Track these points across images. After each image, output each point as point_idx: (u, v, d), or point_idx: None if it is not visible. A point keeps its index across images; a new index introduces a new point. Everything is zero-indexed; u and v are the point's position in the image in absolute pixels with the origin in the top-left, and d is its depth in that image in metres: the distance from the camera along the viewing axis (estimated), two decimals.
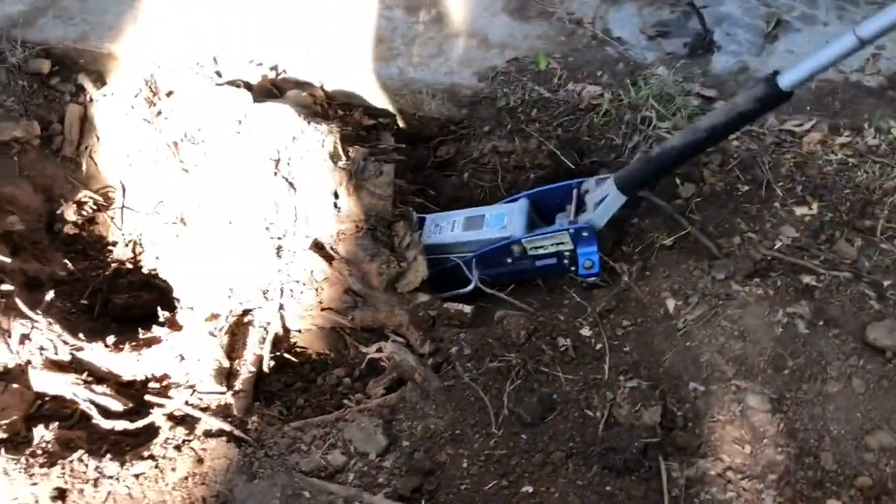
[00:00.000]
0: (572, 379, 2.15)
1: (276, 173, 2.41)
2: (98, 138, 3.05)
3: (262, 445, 2.11)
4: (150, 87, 3.04)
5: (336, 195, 2.45)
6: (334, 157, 2.45)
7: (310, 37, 3.13)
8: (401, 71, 2.99)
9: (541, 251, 2.54)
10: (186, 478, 2.05)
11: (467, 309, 2.42)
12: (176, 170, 2.57)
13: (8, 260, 2.63)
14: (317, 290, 2.48)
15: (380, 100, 3.08)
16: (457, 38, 3.05)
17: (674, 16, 3.06)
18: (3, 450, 2.12)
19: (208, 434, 2.14)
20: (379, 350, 2.27)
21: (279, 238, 2.45)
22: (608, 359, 2.17)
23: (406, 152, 3.08)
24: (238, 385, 2.32)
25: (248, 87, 2.89)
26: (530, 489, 1.96)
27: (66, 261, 2.93)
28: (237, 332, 2.48)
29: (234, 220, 2.43)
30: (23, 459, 2.10)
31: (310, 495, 1.98)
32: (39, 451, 2.15)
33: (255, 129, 2.43)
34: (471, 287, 2.56)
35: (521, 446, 2.04)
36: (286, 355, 2.51)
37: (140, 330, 2.57)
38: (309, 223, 2.45)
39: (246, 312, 2.50)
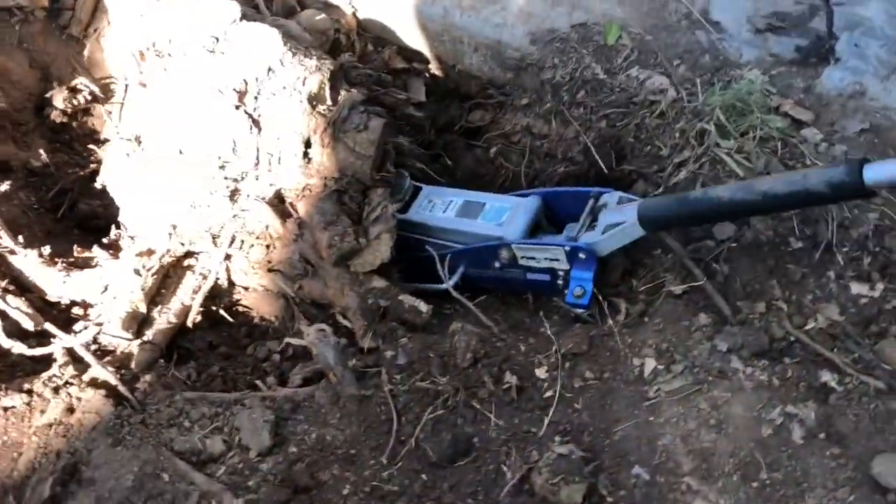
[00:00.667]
0: (503, 425, 2.07)
1: (238, 106, 2.40)
2: (109, 22, 3.17)
3: (144, 410, 2.16)
4: None
5: (308, 144, 2.42)
6: (314, 99, 2.40)
7: None
8: (445, 12, 2.90)
9: (532, 263, 2.44)
10: (51, 425, 2.12)
11: (424, 308, 2.36)
12: (135, 81, 2.64)
13: None
14: (268, 246, 2.49)
15: (417, 41, 3.03)
16: None
17: (797, 8, 2.80)
18: None
19: (92, 383, 2.20)
20: (297, 334, 2.29)
21: (235, 181, 2.45)
22: (552, 412, 2.09)
23: (435, 108, 3.05)
24: (149, 335, 2.38)
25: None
26: None
27: (42, 151, 3.12)
28: (172, 275, 2.55)
29: (187, 150, 2.45)
30: None
31: (168, 479, 2.03)
32: None
33: (229, 52, 2.41)
34: (445, 286, 2.51)
35: (416, 488, 1.99)
36: (222, 312, 2.58)
37: (84, 247, 2.72)
38: (273, 171, 2.43)
39: (188, 255, 2.56)
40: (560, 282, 2.41)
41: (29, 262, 2.63)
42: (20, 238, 2.69)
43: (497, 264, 2.48)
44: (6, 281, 2.56)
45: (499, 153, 2.87)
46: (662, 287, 2.30)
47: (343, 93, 2.49)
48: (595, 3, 2.84)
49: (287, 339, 2.37)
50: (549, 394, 2.13)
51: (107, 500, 1.98)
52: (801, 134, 2.47)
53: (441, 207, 2.61)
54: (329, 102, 2.45)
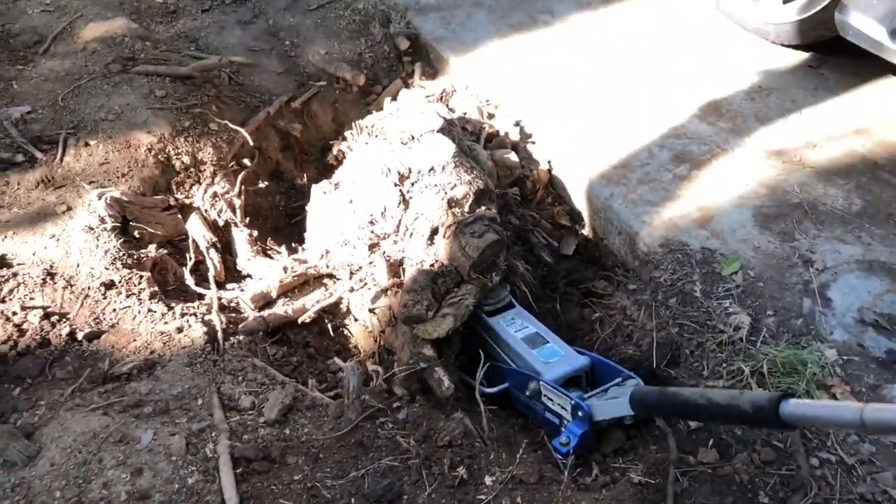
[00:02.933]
0: (432, 498, 2.18)
1: (396, 185, 2.77)
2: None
3: (221, 355, 2.53)
4: (444, 92, 3.71)
5: (435, 231, 2.71)
6: (454, 202, 2.69)
7: (585, 129, 3.44)
8: (610, 196, 3.09)
9: (549, 404, 2.51)
10: (162, 332, 2.62)
11: (446, 385, 2.52)
12: (346, 146, 3.18)
13: None
14: (377, 294, 2.85)
15: (584, 208, 3.25)
16: (687, 203, 3.04)
17: None
18: None
19: (205, 322, 2.66)
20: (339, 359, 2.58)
21: (377, 237, 2.81)
22: None
23: (575, 265, 3.23)
24: (265, 313, 2.79)
25: (484, 137, 3.33)
26: None
27: (307, 175, 3.77)
28: (311, 284, 2.98)
29: (355, 201, 2.85)
30: None
31: (199, 404, 2.37)
32: None
33: (414, 147, 2.83)
34: (476, 386, 2.64)
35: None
36: (329, 326, 2.94)
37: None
38: (404, 241, 2.79)
39: (328, 276, 2.99)
40: (561, 428, 2.47)
41: (240, 236, 3.22)
42: (246, 219, 3.31)
43: (527, 392, 2.59)
44: (217, 239, 3.18)
45: (598, 319, 2.97)
46: (629, 471, 2.27)
47: (482, 208, 2.78)
48: (731, 240, 2.88)
49: (335, 359, 2.67)
50: (480, 497, 2.20)
51: (155, 394, 2.39)
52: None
53: (516, 327, 2.75)
54: (466, 210, 2.74)
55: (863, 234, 2.90)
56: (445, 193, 2.72)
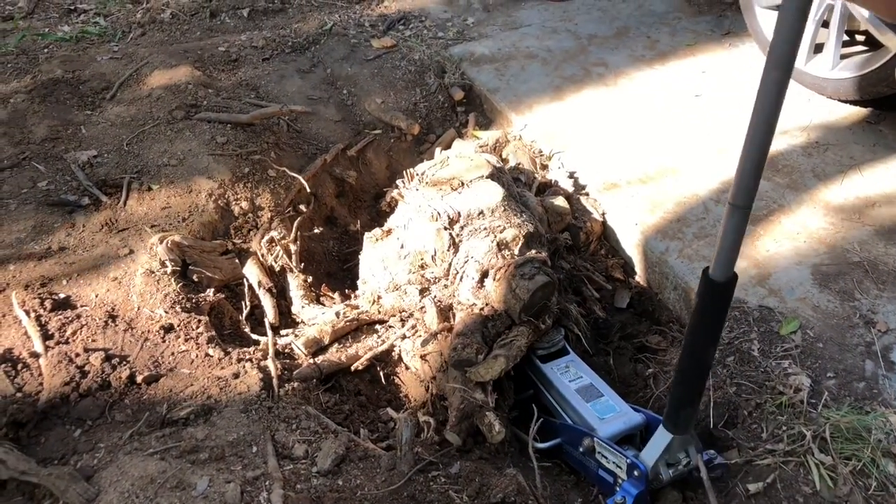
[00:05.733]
0: None
1: (446, 228, 2.77)
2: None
3: (276, 402, 2.55)
4: (498, 142, 3.73)
5: (485, 275, 2.70)
6: (503, 245, 2.69)
7: (641, 182, 3.43)
8: (666, 250, 3.07)
9: (603, 461, 2.47)
10: (219, 378, 2.62)
11: (497, 430, 2.47)
12: (397, 193, 3.24)
13: None
14: (425, 340, 2.84)
15: (638, 262, 3.22)
16: (744, 260, 2.99)
17: None
18: None
19: (261, 368, 2.66)
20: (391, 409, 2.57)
21: (428, 280, 2.82)
22: None
23: (628, 318, 3.20)
24: (318, 360, 2.80)
25: (536, 186, 3.34)
26: None
27: (360, 221, 3.82)
28: (363, 330, 2.99)
29: (406, 246, 2.87)
30: None
31: (255, 451, 2.41)
32: None
33: (464, 192, 2.85)
34: (529, 442, 2.61)
35: None
36: (381, 374, 2.93)
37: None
38: (454, 284, 2.80)
39: (380, 322, 2.99)
40: (616, 487, 2.42)
41: (294, 281, 3.26)
42: (301, 265, 3.35)
43: (580, 448, 2.55)
44: (273, 284, 3.21)
45: (652, 375, 2.92)
46: None
47: (533, 251, 2.77)
48: (789, 298, 2.83)
49: (388, 409, 2.66)
50: None
51: (211, 440, 2.41)
52: None
53: (570, 376, 2.72)
54: (516, 252, 2.74)
55: None
56: (495, 236, 2.73)
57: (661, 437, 2.25)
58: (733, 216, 1.68)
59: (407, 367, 2.94)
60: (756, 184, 1.64)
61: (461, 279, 2.75)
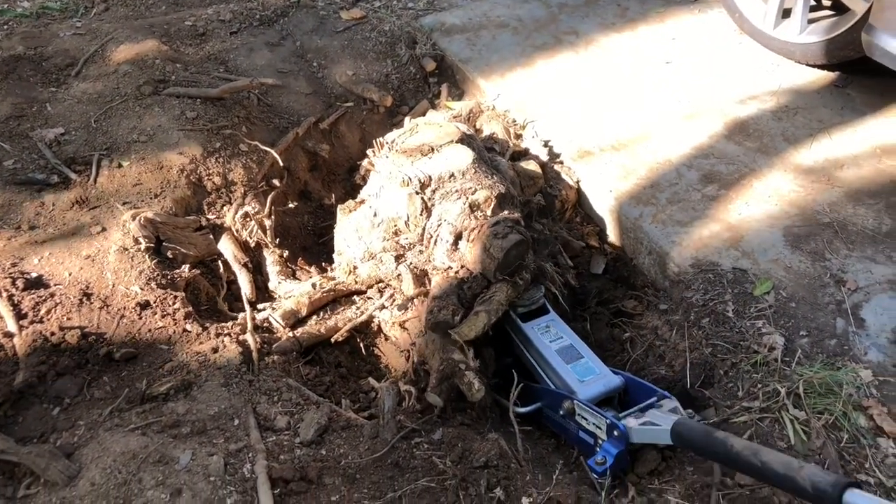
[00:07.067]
0: None
1: (418, 192, 2.78)
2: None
3: (257, 375, 2.56)
4: (471, 112, 3.73)
5: (459, 237, 2.70)
6: (476, 206, 2.70)
7: (613, 149, 3.45)
8: (640, 216, 3.10)
9: (583, 423, 2.51)
10: (198, 353, 2.64)
11: (476, 388, 2.48)
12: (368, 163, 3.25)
13: None
14: (402, 305, 2.84)
15: (613, 229, 3.26)
16: (717, 223, 3.04)
17: None
18: None
19: (240, 342, 2.67)
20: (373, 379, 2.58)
21: (403, 247, 2.82)
22: None
23: (604, 284, 3.23)
24: (298, 332, 2.80)
25: (509, 153, 3.35)
26: None
27: (335, 195, 3.80)
28: (342, 302, 2.99)
29: (379, 214, 2.87)
30: None
31: (236, 423, 2.40)
32: None
33: (435, 157, 2.85)
34: (518, 409, 2.64)
35: None
36: (361, 346, 2.94)
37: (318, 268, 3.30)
38: (429, 249, 2.78)
39: (357, 293, 3.00)
40: (596, 448, 2.46)
41: (270, 256, 3.24)
42: (276, 239, 3.33)
43: (560, 412, 2.58)
44: (249, 259, 3.20)
45: (629, 339, 2.96)
46: (666, 492, 2.27)
47: (505, 212, 2.76)
48: (762, 260, 2.87)
49: (370, 379, 2.68)
50: None
51: (192, 415, 2.40)
52: (876, 440, 2.30)
53: (550, 336, 2.73)
54: (489, 213, 2.73)
55: (894, 254, 2.89)
56: (467, 198, 2.73)
57: (661, 436, 2.27)
58: None
59: (387, 338, 2.95)
60: None
61: (435, 243, 2.75)
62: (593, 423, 2.47)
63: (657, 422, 2.33)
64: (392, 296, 2.89)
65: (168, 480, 2.13)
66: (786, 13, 3.82)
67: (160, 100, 3.57)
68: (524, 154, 3.43)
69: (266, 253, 3.25)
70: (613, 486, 2.38)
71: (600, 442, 2.45)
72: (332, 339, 2.88)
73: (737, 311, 2.70)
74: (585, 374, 2.63)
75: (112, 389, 2.46)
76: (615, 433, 2.37)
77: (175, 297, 2.78)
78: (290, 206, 3.52)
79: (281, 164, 3.48)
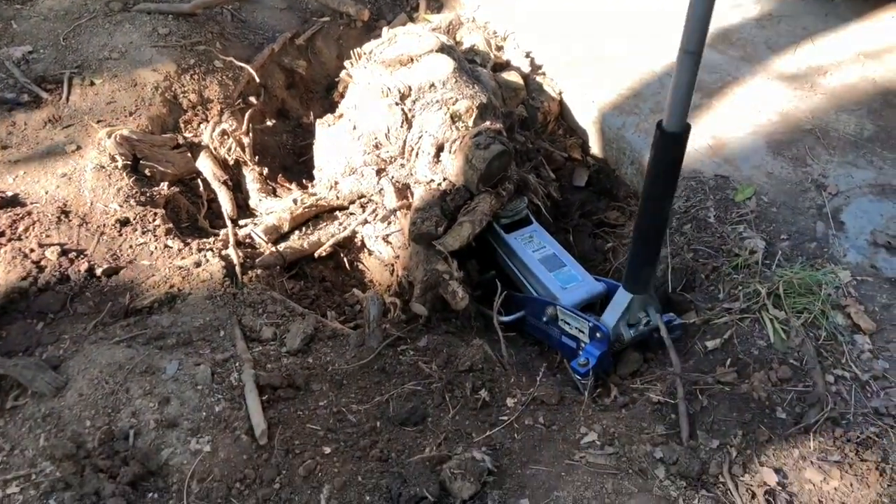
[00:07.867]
0: (456, 420, 2.21)
1: (398, 103, 2.75)
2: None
3: (240, 289, 2.55)
4: (451, 24, 3.66)
5: (441, 149, 2.68)
6: (457, 117, 2.68)
7: (596, 60, 3.41)
8: (622, 126, 3.09)
9: (566, 328, 2.55)
10: (181, 267, 2.61)
11: (460, 296, 2.51)
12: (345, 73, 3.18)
13: None
14: (384, 217, 2.83)
15: (595, 142, 3.24)
16: (700, 132, 3.02)
17: None
18: None
19: (223, 256, 2.67)
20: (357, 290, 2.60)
21: (384, 161, 2.80)
22: (496, 431, 2.18)
23: (587, 196, 3.23)
24: (280, 247, 2.79)
25: (491, 65, 3.30)
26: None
27: (313, 112, 3.75)
28: (324, 217, 2.98)
29: (359, 128, 2.84)
30: None
31: (222, 335, 2.40)
32: None
33: (414, 67, 2.80)
34: (502, 318, 2.66)
35: (365, 427, 2.15)
36: (345, 260, 2.94)
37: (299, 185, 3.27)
38: (411, 162, 2.76)
39: (340, 208, 2.99)
40: (579, 351, 2.50)
41: (250, 174, 3.21)
42: (255, 158, 3.29)
43: (544, 318, 2.61)
44: (228, 177, 3.16)
45: (611, 249, 2.98)
46: (647, 391, 2.31)
47: (487, 122, 2.74)
48: (744, 167, 2.88)
49: (354, 290, 2.69)
50: (503, 418, 2.24)
51: (177, 327, 2.41)
52: (853, 337, 2.35)
53: (533, 246, 2.75)
54: (470, 124, 2.71)
55: (875, 159, 2.90)
56: (448, 109, 2.70)
57: (622, 298, 2.31)
58: (684, 63, 1.69)
59: (370, 253, 2.95)
60: (706, 29, 1.65)
61: (417, 155, 2.73)
62: (576, 328, 2.50)
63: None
64: (374, 211, 2.88)
65: (156, 390, 2.14)
66: None
67: (130, 16, 3.47)
68: (506, 66, 3.38)
69: (245, 171, 3.22)
70: (596, 387, 2.43)
71: (583, 345, 2.49)
72: (316, 254, 2.88)
73: (718, 216, 2.72)
74: (568, 282, 2.65)
75: (95, 304, 2.46)
76: (598, 335, 2.41)
77: (155, 213, 2.76)
78: (268, 124, 3.47)
79: (257, 80, 3.42)
